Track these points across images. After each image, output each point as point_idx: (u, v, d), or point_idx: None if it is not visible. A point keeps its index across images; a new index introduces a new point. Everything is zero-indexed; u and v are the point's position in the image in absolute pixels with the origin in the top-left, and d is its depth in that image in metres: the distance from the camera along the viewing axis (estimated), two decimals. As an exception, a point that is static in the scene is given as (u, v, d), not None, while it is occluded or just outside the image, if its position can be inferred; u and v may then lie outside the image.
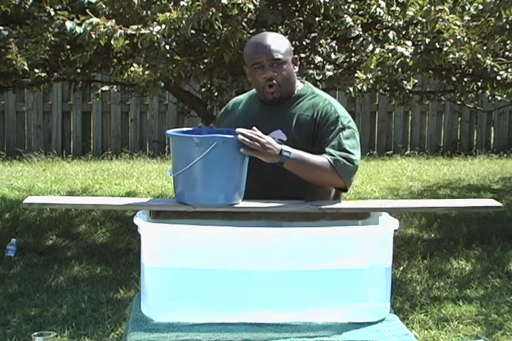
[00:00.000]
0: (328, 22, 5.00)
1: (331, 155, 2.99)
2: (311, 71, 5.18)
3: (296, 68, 3.16)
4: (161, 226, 2.73)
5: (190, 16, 4.35)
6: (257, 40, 3.14)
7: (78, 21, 4.39)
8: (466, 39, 4.60)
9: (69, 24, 4.40)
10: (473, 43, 4.61)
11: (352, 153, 3.03)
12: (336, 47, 5.42)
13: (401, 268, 5.57)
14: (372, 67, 4.87)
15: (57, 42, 4.87)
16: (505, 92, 5.96)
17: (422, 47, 4.94)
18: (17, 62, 4.74)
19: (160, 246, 2.70)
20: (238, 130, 2.84)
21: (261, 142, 2.85)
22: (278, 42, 3.09)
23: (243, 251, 2.68)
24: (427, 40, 4.91)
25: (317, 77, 5.18)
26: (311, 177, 2.99)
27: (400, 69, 5.05)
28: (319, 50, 5.28)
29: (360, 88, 5.08)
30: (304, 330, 2.66)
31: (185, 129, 3.03)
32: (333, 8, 4.84)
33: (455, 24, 4.53)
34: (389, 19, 5.03)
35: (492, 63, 4.85)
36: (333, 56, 5.35)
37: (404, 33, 5.22)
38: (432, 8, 4.53)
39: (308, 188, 3.04)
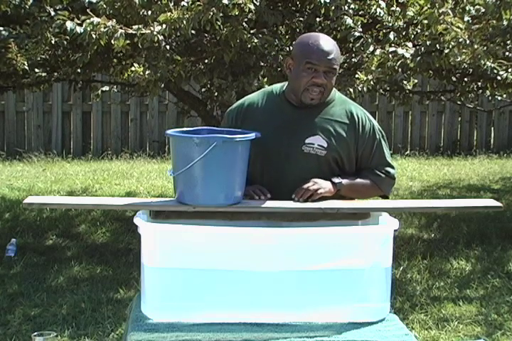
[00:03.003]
0: (329, 22, 5.00)
1: (374, 172, 3.20)
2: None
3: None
4: (161, 226, 2.73)
5: (191, 16, 4.35)
6: (320, 43, 3.05)
7: (79, 21, 4.39)
8: (468, 42, 4.59)
9: (69, 24, 4.39)
10: (475, 46, 4.61)
11: (393, 167, 3.25)
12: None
13: (401, 268, 5.57)
14: (373, 68, 4.87)
15: (57, 42, 4.87)
16: (505, 92, 5.96)
17: (423, 48, 4.93)
18: (17, 62, 4.74)
19: (160, 246, 2.70)
20: (295, 196, 3.00)
21: (317, 191, 3.02)
22: (338, 53, 3.08)
23: (243, 251, 2.68)
24: (428, 42, 4.91)
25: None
26: (358, 196, 3.20)
27: (400, 70, 5.05)
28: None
29: (360, 89, 5.08)
30: (304, 330, 2.66)
31: (185, 129, 3.03)
32: (333, 8, 4.84)
33: (458, 26, 4.53)
34: (389, 19, 5.03)
35: (492, 65, 4.85)
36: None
37: (404, 33, 5.22)
38: (435, 10, 4.52)
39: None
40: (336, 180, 3.10)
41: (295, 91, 3.10)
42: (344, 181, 3.11)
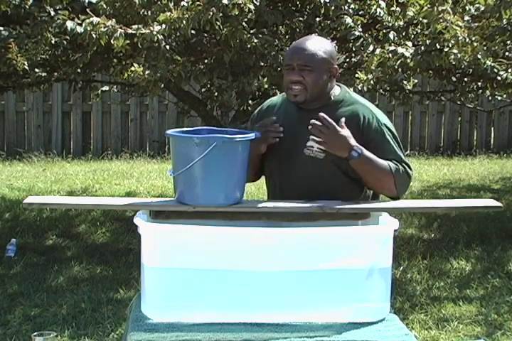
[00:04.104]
0: (329, 22, 5.01)
1: (394, 164, 3.06)
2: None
3: (332, 78, 3.13)
4: (161, 226, 2.73)
5: (191, 16, 4.35)
6: (298, 42, 3.13)
7: (79, 21, 4.39)
8: (467, 40, 4.59)
9: (69, 24, 4.40)
10: (475, 44, 4.61)
11: (410, 168, 3.14)
12: (337, 47, 5.42)
13: (401, 268, 5.57)
14: (373, 67, 4.87)
15: (57, 42, 4.87)
16: (506, 92, 5.96)
17: (423, 47, 4.93)
18: (17, 62, 4.74)
19: (160, 246, 2.70)
20: (313, 121, 2.91)
21: (333, 135, 2.92)
22: (315, 49, 3.04)
23: (243, 251, 2.68)
24: (428, 41, 4.91)
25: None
26: (370, 177, 3.05)
27: (400, 70, 5.05)
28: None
29: (360, 88, 5.08)
30: (304, 330, 2.66)
31: (185, 129, 3.03)
32: (333, 8, 4.84)
33: (457, 25, 4.53)
34: (389, 19, 5.03)
35: (492, 64, 4.85)
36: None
37: (404, 33, 5.22)
38: (435, 8, 4.52)
39: (343, 190, 3.07)
40: (358, 148, 2.96)
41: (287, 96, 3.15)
42: (364, 154, 2.96)
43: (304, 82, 3.04)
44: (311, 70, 3.03)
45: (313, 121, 2.94)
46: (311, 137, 3.00)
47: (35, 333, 2.79)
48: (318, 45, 3.07)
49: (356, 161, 2.98)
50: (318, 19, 5.17)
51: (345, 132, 2.96)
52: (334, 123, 2.94)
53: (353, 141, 2.96)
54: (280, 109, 3.19)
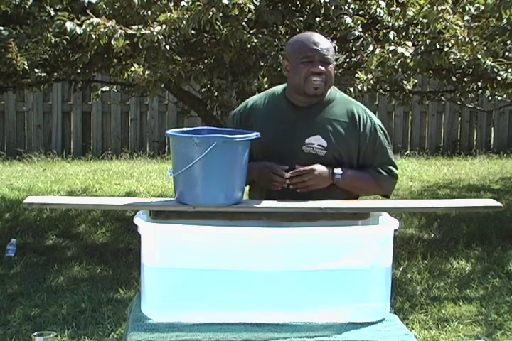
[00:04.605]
0: (329, 22, 5.00)
1: (377, 170, 3.20)
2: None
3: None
4: (161, 226, 2.73)
5: (191, 16, 4.35)
6: (309, 37, 3.14)
7: (78, 22, 4.39)
8: (467, 39, 4.59)
9: (69, 25, 4.39)
10: (474, 44, 4.61)
11: (395, 166, 3.26)
12: (336, 47, 5.42)
13: (401, 268, 5.57)
14: (373, 67, 4.87)
15: (57, 42, 4.87)
16: (506, 92, 5.96)
17: (423, 47, 4.93)
18: (17, 62, 4.73)
19: (160, 246, 2.70)
20: (287, 175, 3.04)
21: (314, 175, 3.05)
22: (328, 44, 3.13)
23: (243, 251, 2.68)
24: (428, 41, 4.91)
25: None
26: (356, 191, 3.23)
27: (400, 70, 5.04)
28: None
29: (360, 88, 5.08)
30: (304, 330, 2.66)
31: (185, 129, 3.03)
32: (333, 8, 4.84)
33: (457, 24, 4.53)
34: (389, 19, 5.03)
35: (492, 64, 4.85)
36: (333, 56, 5.35)
37: (404, 33, 5.22)
38: (434, 8, 4.52)
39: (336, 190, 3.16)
40: (338, 172, 3.09)
41: (296, 87, 3.11)
42: (345, 175, 3.11)
43: (324, 73, 3.06)
44: (329, 63, 3.09)
45: (290, 176, 3.05)
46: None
47: (35, 333, 2.79)
48: (325, 39, 3.16)
49: (341, 183, 3.11)
50: (318, 19, 5.17)
51: (319, 167, 3.07)
52: (308, 168, 3.05)
53: (328, 170, 3.09)
54: (269, 108, 3.19)
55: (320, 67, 3.05)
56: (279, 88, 3.26)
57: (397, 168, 3.26)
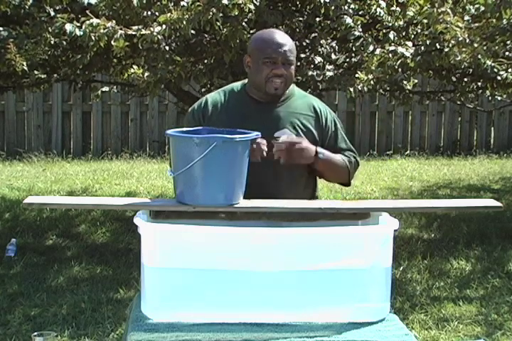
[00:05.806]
0: (329, 22, 5.01)
1: (345, 156, 3.27)
2: (311, 72, 5.19)
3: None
4: (161, 226, 2.73)
5: (191, 17, 4.35)
6: (273, 37, 3.15)
7: (78, 24, 4.38)
8: (468, 41, 4.59)
9: (68, 27, 4.38)
10: (475, 45, 4.61)
11: (356, 154, 3.34)
12: (336, 47, 5.42)
13: (401, 268, 5.57)
14: (373, 67, 4.87)
15: (56, 42, 4.87)
16: (505, 92, 5.96)
17: (423, 47, 4.94)
18: (16, 62, 4.73)
19: (160, 246, 2.70)
20: (278, 141, 3.04)
21: (301, 147, 3.06)
22: (291, 44, 3.17)
23: (243, 251, 2.68)
24: (428, 41, 4.91)
25: (317, 78, 5.18)
26: (330, 174, 3.29)
27: (400, 70, 5.04)
28: (319, 50, 5.29)
29: (360, 88, 5.09)
30: (304, 330, 2.66)
31: (185, 129, 3.03)
32: (333, 8, 4.84)
33: (457, 25, 4.53)
34: (389, 19, 5.03)
35: (492, 64, 4.85)
36: (333, 56, 5.36)
37: (404, 33, 5.22)
38: (435, 9, 4.52)
39: (305, 185, 3.25)
40: (321, 150, 3.14)
41: (257, 86, 3.17)
42: (326, 154, 3.16)
43: (285, 75, 3.13)
44: (290, 64, 3.15)
45: (277, 144, 3.05)
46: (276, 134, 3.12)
47: (35, 333, 2.79)
48: (289, 38, 3.20)
49: (321, 161, 3.14)
50: (318, 19, 5.18)
51: (307, 141, 3.11)
52: (298, 139, 3.09)
53: (314, 147, 3.12)
54: (231, 103, 3.22)
55: (282, 69, 3.12)
56: (237, 84, 3.31)
57: (358, 155, 3.37)
